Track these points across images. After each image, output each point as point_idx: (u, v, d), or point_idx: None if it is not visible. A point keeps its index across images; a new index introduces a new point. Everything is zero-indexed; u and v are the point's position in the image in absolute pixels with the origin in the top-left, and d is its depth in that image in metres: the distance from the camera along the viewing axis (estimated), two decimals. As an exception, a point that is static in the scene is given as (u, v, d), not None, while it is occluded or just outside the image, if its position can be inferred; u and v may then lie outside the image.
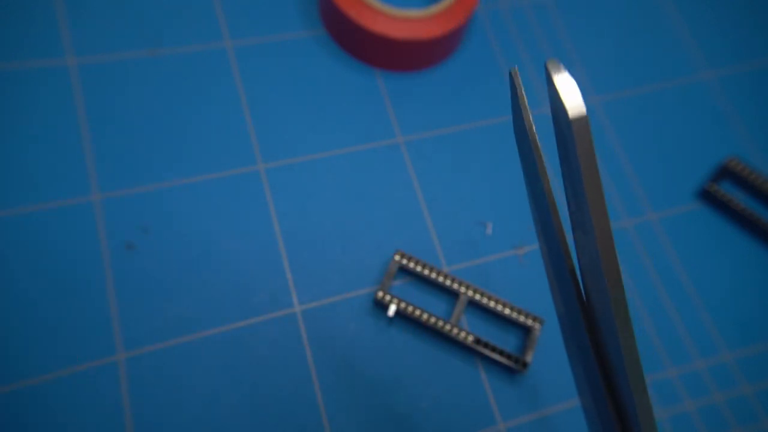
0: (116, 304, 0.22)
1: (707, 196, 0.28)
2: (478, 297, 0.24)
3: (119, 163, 0.24)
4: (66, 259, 0.22)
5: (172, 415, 0.21)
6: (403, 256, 0.24)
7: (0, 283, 0.21)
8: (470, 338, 0.23)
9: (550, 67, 0.13)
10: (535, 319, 0.24)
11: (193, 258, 0.23)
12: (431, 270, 0.24)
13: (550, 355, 0.24)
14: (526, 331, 0.25)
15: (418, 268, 0.24)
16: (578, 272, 0.15)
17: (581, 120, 0.12)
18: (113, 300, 0.22)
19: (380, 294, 0.23)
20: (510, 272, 0.26)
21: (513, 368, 0.23)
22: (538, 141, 0.15)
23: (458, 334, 0.23)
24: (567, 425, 0.24)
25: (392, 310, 0.23)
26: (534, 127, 0.15)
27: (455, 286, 0.24)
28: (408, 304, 0.23)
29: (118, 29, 0.26)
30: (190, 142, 0.25)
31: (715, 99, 0.32)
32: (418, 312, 0.23)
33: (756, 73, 0.33)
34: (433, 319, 0.23)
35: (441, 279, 0.24)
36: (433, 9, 0.27)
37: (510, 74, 0.15)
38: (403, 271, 0.25)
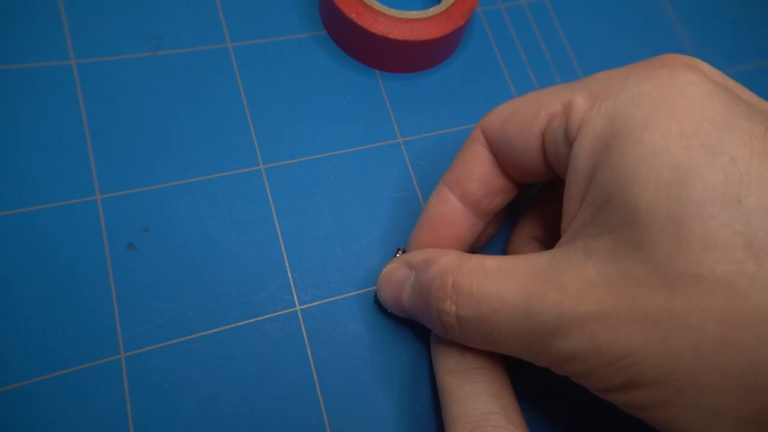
0: (117, 303, 0.22)
1: None
2: None
3: (120, 164, 0.24)
4: (67, 258, 0.22)
5: (173, 414, 0.21)
6: (405, 253, 0.24)
7: (1, 283, 0.21)
8: None
9: None
10: None
11: (193, 258, 0.23)
12: None
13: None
14: None
15: None
16: None
17: None
18: (114, 299, 0.22)
19: None
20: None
21: (512, 367, 0.23)
22: None
23: None
24: (563, 424, 0.24)
25: None
26: None
27: None
28: None
29: (119, 30, 0.26)
30: (192, 142, 0.25)
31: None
32: None
33: (752, 73, 0.34)
34: None
35: None
36: (433, 10, 0.27)
37: None
38: None
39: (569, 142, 0.19)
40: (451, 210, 0.23)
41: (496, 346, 0.19)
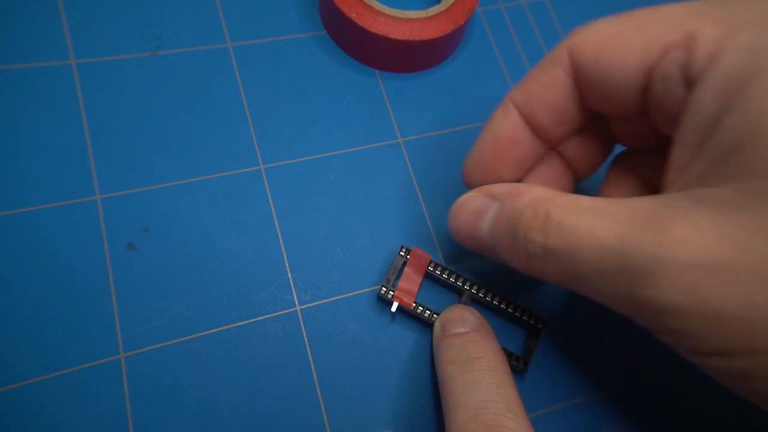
0: (117, 303, 0.22)
1: None
2: (481, 294, 0.24)
3: (120, 164, 0.24)
4: (67, 258, 0.22)
5: (172, 414, 0.21)
6: (408, 251, 0.24)
7: (1, 283, 0.21)
8: None
9: None
10: (537, 318, 0.24)
11: (193, 258, 0.23)
12: (435, 266, 0.24)
13: (551, 354, 0.24)
14: (528, 329, 0.25)
15: None
16: None
17: None
18: (114, 300, 0.22)
19: (383, 290, 0.23)
20: (512, 273, 0.26)
21: (514, 367, 0.23)
22: None
23: None
24: (565, 425, 0.24)
25: (395, 306, 0.23)
26: None
27: (459, 283, 0.24)
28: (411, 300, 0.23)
29: (119, 30, 0.26)
30: (191, 142, 0.25)
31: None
32: (420, 309, 0.23)
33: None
34: (435, 317, 0.23)
35: (445, 276, 0.24)
36: (433, 10, 0.27)
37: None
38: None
39: (688, 81, 0.16)
40: (516, 130, 0.21)
41: (577, 283, 0.18)
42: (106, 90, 0.25)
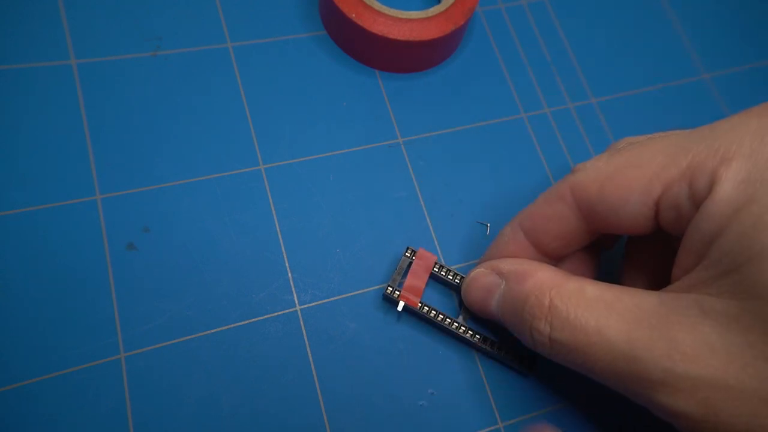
0: (117, 303, 0.22)
1: None
2: None
3: (120, 164, 0.24)
4: (67, 258, 0.22)
5: (172, 414, 0.21)
6: (413, 252, 0.24)
7: (1, 283, 0.21)
8: (477, 337, 0.23)
9: None
10: None
11: (193, 258, 0.23)
12: (440, 267, 0.24)
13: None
14: None
15: None
16: None
17: None
18: (114, 299, 0.22)
19: (389, 290, 0.23)
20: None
21: (519, 369, 0.23)
22: None
23: (465, 332, 0.23)
24: (567, 425, 0.24)
25: (401, 305, 0.23)
26: None
27: None
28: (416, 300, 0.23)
29: (119, 30, 0.26)
30: (192, 142, 0.25)
31: (714, 100, 0.32)
32: (426, 308, 0.23)
33: (753, 73, 0.34)
34: (441, 317, 0.23)
35: (450, 276, 0.24)
36: (433, 10, 0.27)
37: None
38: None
39: (696, 205, 0.18)
40: (524, 252, 0.22)
41: (588, 373, 0.19)
42: (106, 90, 0.25)
